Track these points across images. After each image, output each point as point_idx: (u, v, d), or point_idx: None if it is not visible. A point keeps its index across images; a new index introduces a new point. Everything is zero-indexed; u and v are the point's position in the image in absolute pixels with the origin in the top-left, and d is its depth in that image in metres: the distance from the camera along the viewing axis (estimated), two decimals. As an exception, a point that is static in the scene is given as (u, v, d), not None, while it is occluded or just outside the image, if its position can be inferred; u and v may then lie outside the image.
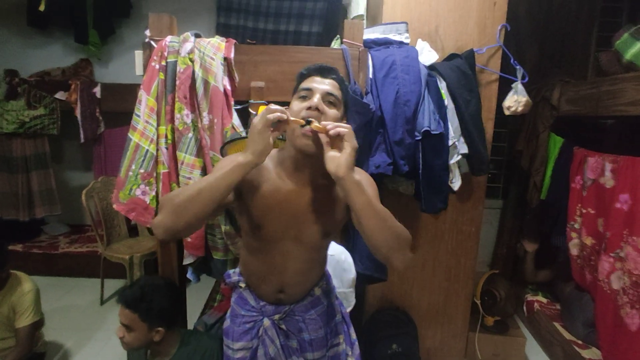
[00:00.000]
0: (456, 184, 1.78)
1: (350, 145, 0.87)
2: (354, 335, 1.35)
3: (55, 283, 2.98)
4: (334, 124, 0.88)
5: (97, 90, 3.05)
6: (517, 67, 1.83)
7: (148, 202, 1.51)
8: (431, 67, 1.75)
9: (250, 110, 1.51)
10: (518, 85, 1.83)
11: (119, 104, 3.03)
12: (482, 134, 1.79)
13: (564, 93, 2.35)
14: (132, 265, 2.59)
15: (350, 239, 1.65)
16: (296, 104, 0.97)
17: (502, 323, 2.37)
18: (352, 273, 1.53)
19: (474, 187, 2.00)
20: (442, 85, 1.72)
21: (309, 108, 0.94)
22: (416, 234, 2.03)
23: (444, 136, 1.63)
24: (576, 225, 2.24)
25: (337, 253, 1.51)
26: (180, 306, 1.54)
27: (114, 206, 1.52)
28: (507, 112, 1.88)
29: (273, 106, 0.88)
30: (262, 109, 1.23)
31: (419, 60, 1.67)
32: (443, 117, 1.65)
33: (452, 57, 1.82)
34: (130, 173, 1.49)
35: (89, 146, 3.25)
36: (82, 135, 3.01)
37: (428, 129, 1.58)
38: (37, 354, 2.01)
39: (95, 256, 3.00)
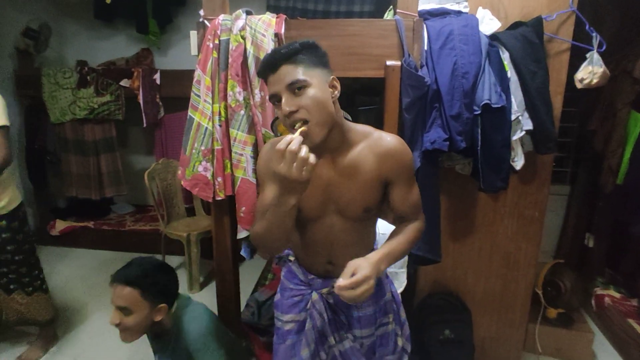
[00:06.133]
0: (518, 162, 1.65)
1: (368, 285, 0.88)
2: (403, 316, 1.31)
3: (122, 257, 3.21)
4: (350, 295, 0.87)
5: (157, 77, 3.20)
6: (593, 34, 1.63)
7: (209, 178, 1.57)
8: (493, 37, 1.62)
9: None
10: (593, 55, 1.64)
11: (176, 90, 3.17)
12: (550, 108, 1.63)
13: (649, 64, 2.08)
14: (189, 242, 2.72)
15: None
16: (277, 111, 0.96)
17: (567, 316, 2.19)
18: (403, 253, 1.48)
19: (539, 167, 1.84)
20: (505, 56, 1.59)
21: (287, 115, 0.91)
22: (473, 216, 1.92)
23: (505, 110, 1.51)
24: (659, 213, 2.00)
25: (389, 231, 1.47)
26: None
27: (182, 183, 1.60)
28: (579, 85, 1.69)
29: (293, 145, 0.79)
30: None
31: (479, 29, 1.55)
32: (505, 90, 1.53)
33: (516, 25, 1.67)
34: (194, 151, 1.55)
35: (151, 130, 3.45)
36: (144, 120, 3.19)
37: (488, 102, 1.47)
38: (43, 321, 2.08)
39: (157, 234, 3.19)
